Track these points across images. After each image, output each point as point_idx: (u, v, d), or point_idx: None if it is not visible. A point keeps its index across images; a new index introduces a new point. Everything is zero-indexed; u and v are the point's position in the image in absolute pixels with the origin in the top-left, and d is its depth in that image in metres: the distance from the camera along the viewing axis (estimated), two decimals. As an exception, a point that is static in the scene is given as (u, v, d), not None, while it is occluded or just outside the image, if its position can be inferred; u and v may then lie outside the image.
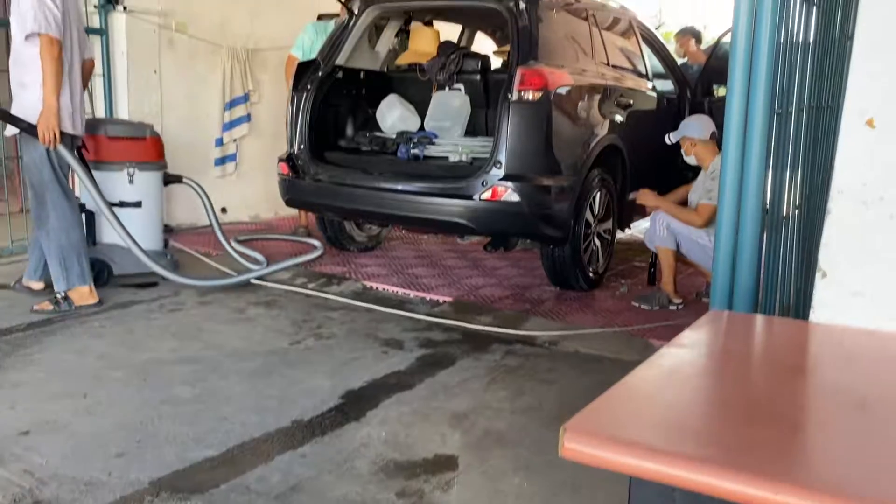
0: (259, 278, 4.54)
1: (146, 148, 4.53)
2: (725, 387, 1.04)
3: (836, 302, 1.32)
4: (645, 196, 4.50)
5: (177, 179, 4.76)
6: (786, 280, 1.89)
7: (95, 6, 5.34)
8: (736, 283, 1.54)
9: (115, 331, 3.66)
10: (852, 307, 1.31)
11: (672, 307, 4.32)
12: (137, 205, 4.43)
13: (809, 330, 1.31)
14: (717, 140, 4.19)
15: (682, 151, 4.47)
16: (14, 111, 3.80)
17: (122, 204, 4.31)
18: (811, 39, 2.12)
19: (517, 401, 2.97)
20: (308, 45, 5.47)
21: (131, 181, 4.41)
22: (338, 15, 5.53)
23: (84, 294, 3.95)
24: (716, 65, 5.45)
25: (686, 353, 1.14)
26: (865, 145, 1.28)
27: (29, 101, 3.73)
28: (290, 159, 4.72)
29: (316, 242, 5.25)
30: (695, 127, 4.43)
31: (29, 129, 3.76)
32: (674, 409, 0.94)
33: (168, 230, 4.79)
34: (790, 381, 1.06)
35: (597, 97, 4.54)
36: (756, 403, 0.97)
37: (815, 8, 2.10)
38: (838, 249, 1.31)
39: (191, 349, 3.45)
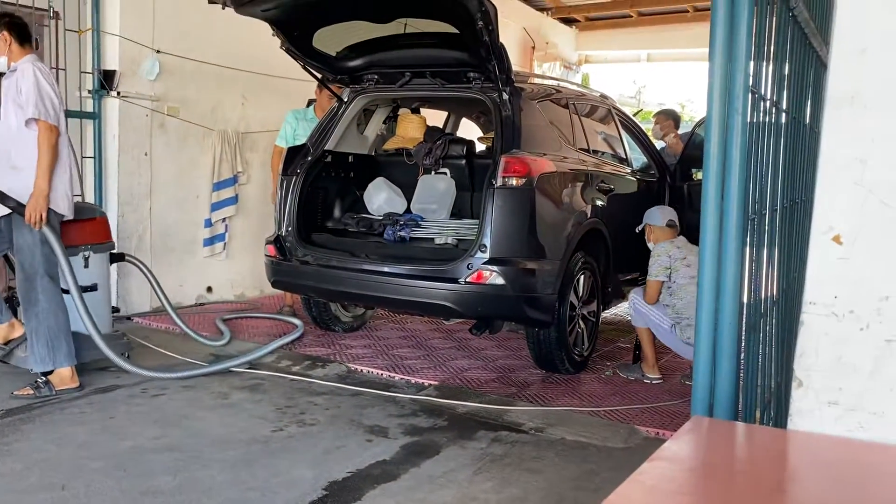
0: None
1: (98, 229, 4.39)
2: (706, 507, 1.06)
3: (812, 411, 1.35)
4: None
5: (120, 258, 4.70)
6: (765, 379, 1.92)
7: (89, 91, 5.47)
8: (716, 387, 1.57)
9: (95, 417, 3.61)
10: (828, 416, 1.34)
11: (646, 380, 4.57)
12: (94, 288, 4.26)
13: (788, 439, 1.33)
14: (676, 226, 4.72)
15: (646, 238, 4.76)
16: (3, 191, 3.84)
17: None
18: (782, 143, 2.22)
19: (503, 492, 2.94)
20: (290, 133, 5.60)
21: (87, 265, 4.26)
22: (315, 99, 5.70)
23: (65, 377, 3.91)
24: (693, 154, 5.64)
25: (668, 467, 1.16)
26: (834, 260, 1.33)
27: (22, 183, 3.78)
28: (277, 241, 4.77)
29: (297, 321, 5.26)
30: (655, 215, 4.77)
31: (17, 209, 3.80)
32: (656, 532, 0.96)
33: (115, 311, 4.72)
34: (769, 498, 1.08)
35: (578, 183, 4.66)
36: (736, 525, 0.99)
37: (784, 114, 2.20)
38: (813, 360, 1.35)
39: (172, 437, 3.40)
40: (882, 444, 1.28)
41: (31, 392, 3.81)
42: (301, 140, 5.45)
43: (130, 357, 4.30)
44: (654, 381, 4.54)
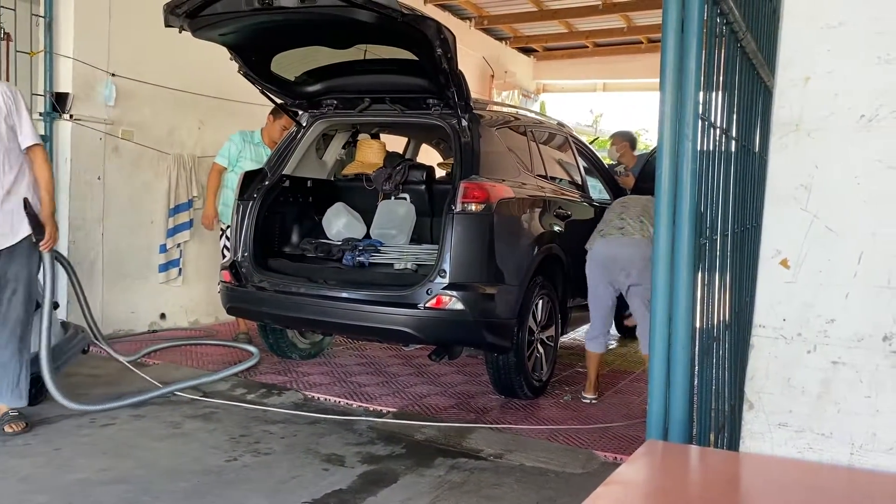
0: (195, 390, 4.43)
1: None
2: (660, 531, 1.06)
3: (763, 433, 1.37)
4: None
5: None
6: (719, 402, 1.94)
7: (41, 114, 5.35)
8: (670, 411, 1.58)
9: (40, 449, 3.48)
10: (779, 438, 1.36)
11: (585, 401, 4.67)
12: None
13: (740, 462, 1.34)
14: None
15: None
16: (18, 227, 3.68)
17: None
18: (732, 169, 2.27)
19: (461, 520, 2.91)
20: (235, 153, 5.55)
21: None
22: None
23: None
24: (644, 185, 5.75)
25: (621, 491, 1.16)
26: (782, 284, 1.36)
27: (20, 209, 3.67)
28: (233, 267, 4.70)
29: (253, 349, 5.16)
30: None
31: (38, 233, 3.70)
32: (610, 558, 0.95)
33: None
34: (722, 521, 1.08)
35: (536, 209, 4.70)
36: (689, 549, 0.99)
37: (733, 141, 2.26)
38: (763, 382, 1.37)
39: (121, 468, 3.29)
40: (830, 466, 1.30)
41: (25, 424, 3.67)
42: (244, 162, 5.42)
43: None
44: (592, 402, 4.65)
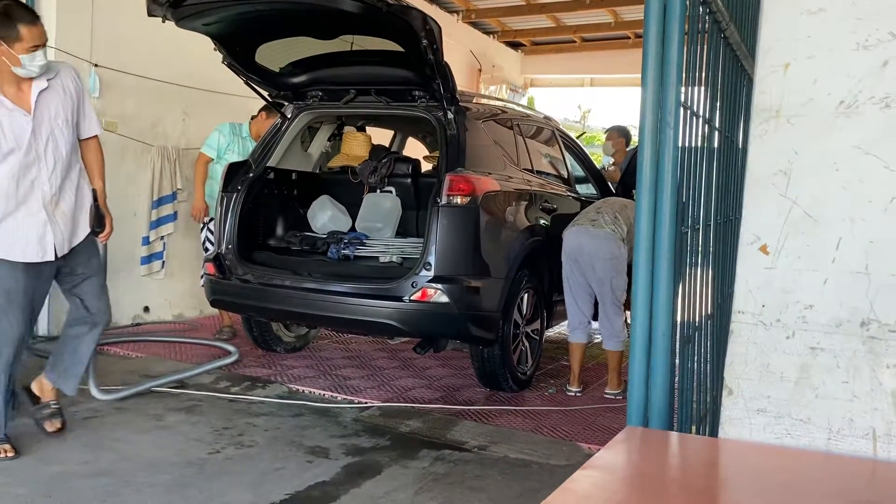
0: (178, 384, 4.40)
1: None
2: (636, 514, 1.06)
3: (742, 418, 1.37)
4: None
5: None
6: (701, 390, 1.95)
7: (22, 104, 5.28)
8: (650, 400, 1.58)
9: (21, 442, 3.44)
10: (757, 424, 1.36)
11: (570, 394, 4.68)
12: None
13: (718, 447, 1.35)
14: None
15: None
16: (82, 224, 3.51)
17: None
18: (714, 161, 2.27)
19: (445, 511, 2.90)
20: (223, 145, 5.49)
21: None
22: (254, 117, 5.62)
23: None
24: (630, 180, 5.77)
25: (600, 476, 1.15)
26: (762, 270, 1.36)
27: (83, 203, 3.53)
28: (217, 259, 4.67)
29: (231, 347, 5.11)
30: None
31: (101, 226, 3.58)
32: (585, 540, 0.95)
33: None
34: (699, 505, 1.08)
35: (522, 202, 4.70)
36: (665, 532, 0.99)
37: (717, 133, 2.26)
38: (742, 368, 1.37)
39: (103, 461, 3.26)
40: (808, 451, 1.31)
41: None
42: (231, 155, 5.38)
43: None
44: (577, 394, 4.66)
